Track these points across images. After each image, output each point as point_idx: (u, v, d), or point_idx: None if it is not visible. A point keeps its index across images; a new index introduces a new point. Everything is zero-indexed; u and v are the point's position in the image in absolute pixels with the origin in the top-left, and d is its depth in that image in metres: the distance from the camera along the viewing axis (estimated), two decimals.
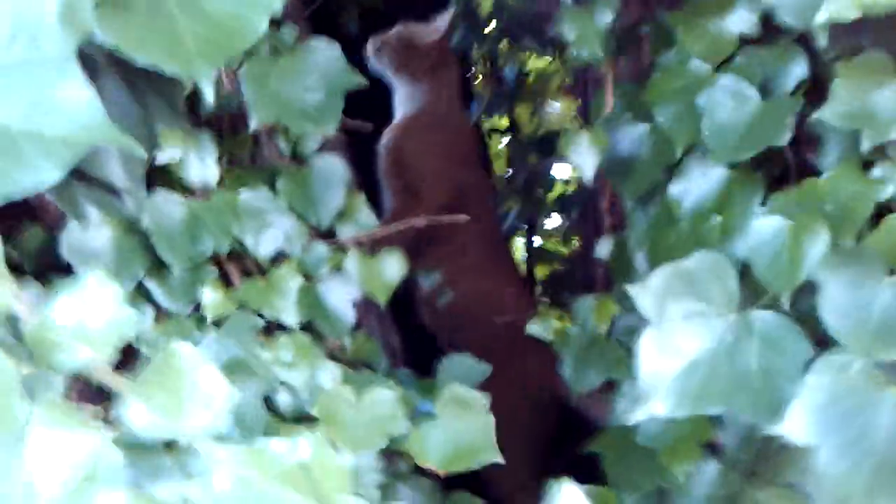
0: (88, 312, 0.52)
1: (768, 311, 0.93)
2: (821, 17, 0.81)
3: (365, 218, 1.34)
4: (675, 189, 1.13)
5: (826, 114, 0.91)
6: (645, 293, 0.95)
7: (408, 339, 1.69)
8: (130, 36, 0.70)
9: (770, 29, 1.07)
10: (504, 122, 2.86)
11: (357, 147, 1.76)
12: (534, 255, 2.78)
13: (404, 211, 1.76)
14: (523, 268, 2.70)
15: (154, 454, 0.53)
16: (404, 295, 1.83)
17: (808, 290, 0.92)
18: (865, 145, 0.90)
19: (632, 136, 1.21)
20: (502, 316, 1.77)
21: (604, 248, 1.34)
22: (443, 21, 1.96)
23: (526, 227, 2.74)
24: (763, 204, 1.04)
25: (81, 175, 0.90)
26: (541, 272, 2.78)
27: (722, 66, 1.09)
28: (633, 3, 1.37)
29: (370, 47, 1.99)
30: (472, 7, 2.63)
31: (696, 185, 1.12)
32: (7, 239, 1.17)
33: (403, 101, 1.97)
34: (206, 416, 0.49)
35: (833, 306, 0.88)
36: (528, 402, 1.74)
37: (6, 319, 0.51)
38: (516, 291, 1.93)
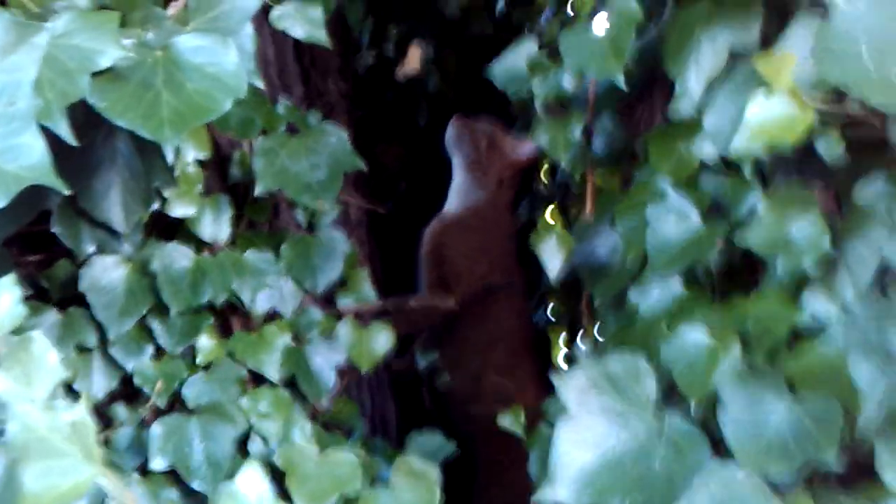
0: None
1: (678, 416, 0.99)
2: (732, 149, 0.89)
3: (366, 291, 1.46)
4: (634, 295, 1.21)
5: (749, 239, 0.98)
6: (568, 385, 1.03)
7: (411, 417, 1.77)
8: (117, 103, 0.85)
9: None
10: (554, 219, 2.94)
11: (389, 226, 1.89)
12: (574, 356, 2.82)
13: (432, 300, 1.86)
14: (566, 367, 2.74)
15: None
16: (418, 377, 1.92)
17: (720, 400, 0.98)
18: (780, 271, 0.96)
19: (607, 243, 1.29)
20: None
21: (583, 349, 1.41)
22: (535, 147, 2.02)
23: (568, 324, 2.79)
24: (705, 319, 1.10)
25: (87, 217, 1.05)
26: None
27: (684, 186, 1.17)
28: (634, 121, 1.47)
29: (452, 126, 2.04)
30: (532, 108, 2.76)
31: (653, 294, 1.19)
32: (43, 268, 1.34)
33: (460, 193, 2.03)
34: (45, 387, 0.62)
35: (731, 418, 0.94)
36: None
37: None
38: (536, 394, 1.96)
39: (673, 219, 1.09)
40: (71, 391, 1.20)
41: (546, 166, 2.85)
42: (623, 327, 1.26)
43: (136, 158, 1.04)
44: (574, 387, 1.03)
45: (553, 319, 2.72)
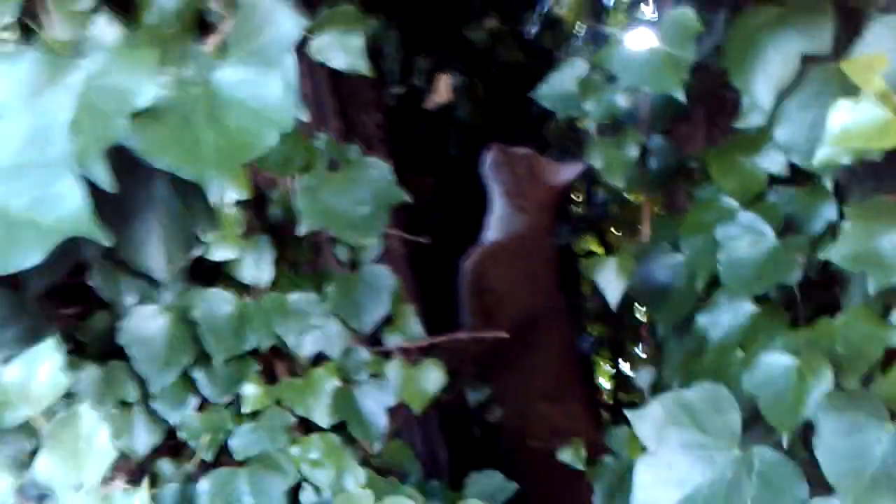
0: (34, 376, 0.59)
1: (769, 449, 0.91)
2: (816, 160, 0.83)
3: (413, 327, 1.40)
4: (702, 320, 1.14)
5: (833, 255, 0.92)
6: (645, 420, 0.96)
7: (461, 455, 1.70)
8: (156, 143, 0.80)
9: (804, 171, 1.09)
10: (597, 247, 2.89)
11: (430, 262, 1.84)
12: (620, 381, 2.75)
13: (478, 331, 1.80)
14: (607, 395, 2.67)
15: None
16: (463, 411, 1.87)
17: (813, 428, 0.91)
18: (871, 288, 0.89)
19: (668, 266, 1.23)
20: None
21: (645, 377, 1.34)
22: (572, 172, 1.98)
23: (610, 352, 2.72)
24: (784, 343, 1.03)
25: (125, 267, 1.00)
26: (627, 398, 2.73)
27: (751, 203, 1.11)
28: (689, 140, 1.41)
29: (490, 155, 2.00)
30: (573, 131, 2.71)
31: (724, 318, 1.12)
32: (80, 321, 1.30)
33: (500, 221, 1.99)
34: (95, 470, 0.55)
35: (829, 449, 0.87)
36: None
37: None
38: (586, 422, 1.90)
39: (747, 239, 1.02)
40: None
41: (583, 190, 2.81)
42: (690, 354, 1.19)
43: (175, 202, 0.98)
44: (651, 421, 0.96)
45: (595, 344, 2.67)
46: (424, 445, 1.52)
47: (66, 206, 0.65)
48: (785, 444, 0.90)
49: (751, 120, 1.01)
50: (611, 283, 1.18)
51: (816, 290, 1.06)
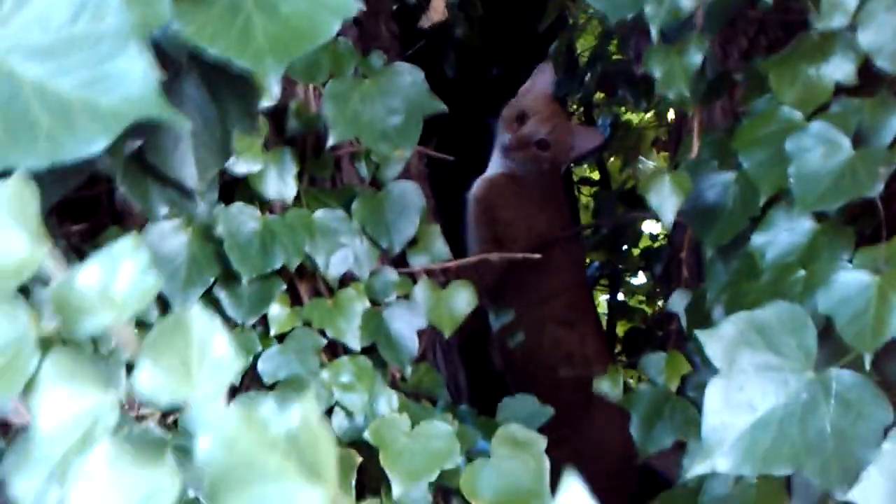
0: (115, 277, 0.52)
1: (848, 370, 0.87)
2: None
3: (439, 249, 1.34)
4: (758, 240, 1.08)
5: None
6: (716, 340, 0.91)
7: (478, 380, 1.66)
8: (205, 29, 0.71)
9: (869, 78, 1.03)
10: (594, 173, 2.83)
11: (440, 180, 1.77)
12: (616, 310, 2.72)
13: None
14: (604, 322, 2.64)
15: None
16: (479, 336, 1.82)
17: (893, 350, 0.86)
18: None
19: (717, 185, 1.17)
20: (579, 369, 1.73)
21: (679, 301, 1.30)
22: (593, 140, 1.90)
23: (609, 280, 2.69)
24: (850, 260, 0.98)
25: (156, 174, 0.91)
26: (621, 328, 2.71)
27: (815, 114, 1.05)
28: (730, 50, 1.34)
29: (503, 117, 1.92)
30: (571, 55, 2.63)
31: (782, 236, 1.07)
32: (90, 238, 1.21)
33: (505, 161, 1.92)
34: (212, 383, 0.48)
35: None
36: (600, 460, 1.69)
37: (38, 279, 0.51)
38: (597, 347, 1.87)
39: (821, 150, 0.96)
40: None
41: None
42: (740, 276, 1.14)
43: (209, 105, 0.90)
44: (721, 342, 0.91)
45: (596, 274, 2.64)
46: (447, 370, 1.47)
47: (130, 85, 0.56)
48: (867, 365, 0.85)
49: (833, 21, 0.94)
50: (666, 200, 1.12)
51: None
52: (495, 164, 1.92)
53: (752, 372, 0.90)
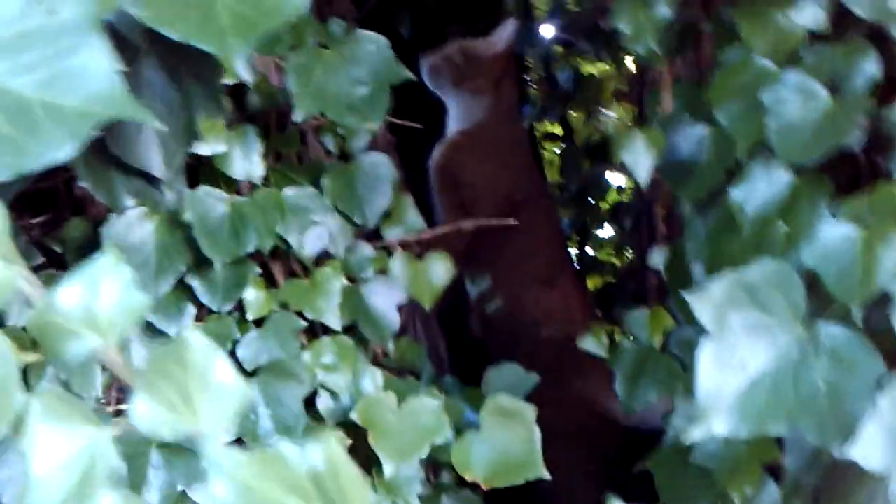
0: (98, 297, 0.48)
1: (837, 325, 0.87)
2: None
3: (412, 220, 1.31)
4: (737, 194, 1.07)
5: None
6: (704, 302, 0.89)
7: (457, 349, 1.65)
8: (164, 9, 0.67)
9: (839, 24, 1.01)
10: (557, 129, 2.81)
11: (406, 150, 1.73)
12: (585, 265, 2.72)
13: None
14: None
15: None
16: (455, 304, 1.80)
17: (881, 302, 0.86)
18: None
19: (691, 138, 1.16)
20: (562, 327, 1.72)
21: (658, 257, 1.29)
22: (505, 32, 1.89)
23: (578, 236, 2.68)
24: (831, 211, 0.97)
25: (120, 164, 0.87)
26: (592, 283, 2.71)
27: (787, 63, 1.03)
28: (698, 5, 1.32)
29: (425, 65, 1.92)
30: (528, 9, 2.59)
31: (760, 189, 1.06)
32: (51, 230, 1.17)
33: (460, 117, 1.90)
34: (216, 414, 0.45)
35: None
36: (585, 419, 1.69)
37: (16, 304, 0.48)
38: (578, 303, 1.86)
39: (798, 100, 0.95)
40: None
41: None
42: (719, 230, 1.13)
43: (170, 89, 0.86)
44: (710, 303, 0.89)
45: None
46: (428, 342, 1.45)
47: (94, 83, 0.52)
48: (858, 320, 0.85)
49: None
50: (640, 158, 1.10)
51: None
52: (454, 126, 1.89)
53: (742, 332, 0.89)
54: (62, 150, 0.51)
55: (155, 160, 0.88)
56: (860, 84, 0.98)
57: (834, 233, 0.90)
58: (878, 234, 0.87)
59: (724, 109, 1.05)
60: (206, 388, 0.45)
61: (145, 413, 0.44)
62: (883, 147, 0.98)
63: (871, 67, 0.98)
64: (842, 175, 1.03)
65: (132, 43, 0.80)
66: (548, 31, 2.53)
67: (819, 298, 0.91)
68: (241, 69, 0.93)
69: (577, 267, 2.70)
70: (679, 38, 1.15)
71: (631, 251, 2.57)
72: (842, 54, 1.01)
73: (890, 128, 0.91)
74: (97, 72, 0.53)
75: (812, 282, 0.91)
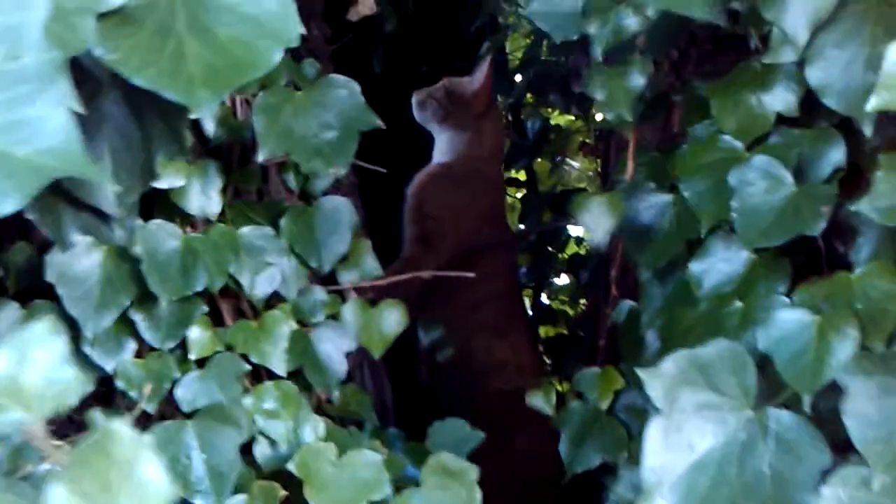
0: (27, 368, 0.46)
1: (786, 410, 0.86)
2: (871, 105, 0.75)
3: (369, 265, 1.29)
4: (696, 267, 1.07)
5: (865, 206, 0.86)
6: (656, 379, 0.89)
7: (404, 395, 1.62)
8: (132, 55, 0.65)
9: (809, 110, 1.02)
10: (521, 174, 2.82)
11: (372, 191, 1.72)
12: (539, 312, 2.71)
13: (414, 260, 1.69)
14: None
15: None
16: (405, 348, 1.78)
17: (830, 389, 0.86)
18: None
19: (653, 206, 1.16)
20: (511, 379, 1.70)
21: (620, 315, 1.27)
22: (481, 73, 1.91)
23: (533, 283, 2.68)
24: (788, 294, 0.98)
25: (70, 198, 0.84)
26: (543, 331, 2.71)
27: (755, 144, 1.04)
28: (666, 70, 1.33)
29: (415, 100, 1.93)
30: (502, 57, 2.60)
31: (719, 265, 1.06)
32: None
33: (443, 150, 1.89)
34: None
35: (858, 414, 0.82)
36: (527, 474, 1.66)
37: None
38: (528, 355, 1.84)
39: (763, 185, 0.95)
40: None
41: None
42: (678, 301, 1.13)
43: (131, 124, 0.83)
44: (662, 381, 0.89)
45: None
46: (374, 389, 1.43)
47: (50, 136, 0.50)
48: (807, 407, 0.85)
49: (781, 56, 0.93)
50: (599, 221, 1.10)
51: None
52: (436, 158, 1.89)
53: (691, 411, 0.88)
54: (7, 203, 0.48)
55: (107, 197, 0.85)
56: (825, 171, 0.99)
57: (789, 317, 0.90)
58: (833, 323, 0.87)
59: (689, 185, 1.06)
60: (130, 482, 0.42)
61: None
62: (843, 235, 0.98)
63: (837, 155, 0.99)
64: (800, 256, 1.03)
65: (95, 75, 0.78)
66: (519, 79, 2.55)
67: (770, 381, 0.91)
68: (207, 123, 0.90)
69: (530, 314, 2.70)
70: (650, 106, 1.16)
71: (585, 303, 2.57)
72: (809, 139, 1.01)
73: (852, 218, 0.91)
74: (54, 124, 0.51)
75: (763, 363, 0.91)
